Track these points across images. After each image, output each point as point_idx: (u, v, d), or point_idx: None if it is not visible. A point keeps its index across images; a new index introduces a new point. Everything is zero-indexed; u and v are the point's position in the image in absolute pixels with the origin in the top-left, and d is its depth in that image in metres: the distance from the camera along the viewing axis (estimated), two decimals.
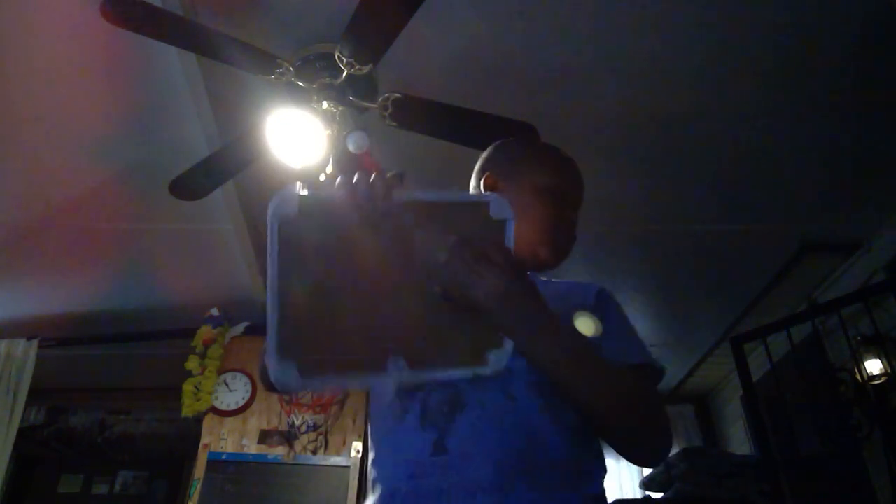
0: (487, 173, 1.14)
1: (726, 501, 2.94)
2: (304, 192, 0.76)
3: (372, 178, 0.78)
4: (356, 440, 3.63)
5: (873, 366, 3.06)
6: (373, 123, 2.27)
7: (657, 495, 3.27)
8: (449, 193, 0.85)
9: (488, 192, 0.91)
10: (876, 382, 3.07)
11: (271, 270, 0.74)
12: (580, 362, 0.87)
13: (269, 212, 0.75)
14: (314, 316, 0.77)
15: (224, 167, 2.38)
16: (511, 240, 0.83)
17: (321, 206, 0.78)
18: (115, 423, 4.94)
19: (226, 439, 3.60)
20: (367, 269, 0.80)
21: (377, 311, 0.80)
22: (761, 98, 2.51)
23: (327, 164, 2.28)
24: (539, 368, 0.86)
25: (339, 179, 0.79)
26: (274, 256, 0.74)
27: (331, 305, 0.78)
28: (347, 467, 3.53)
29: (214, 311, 3.72)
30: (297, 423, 3.61)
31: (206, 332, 3.69)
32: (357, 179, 0.77)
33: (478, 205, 0.85)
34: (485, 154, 1.22)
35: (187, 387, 3.58)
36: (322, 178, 2.30)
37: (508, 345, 0.83)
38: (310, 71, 2.18)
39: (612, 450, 0.96)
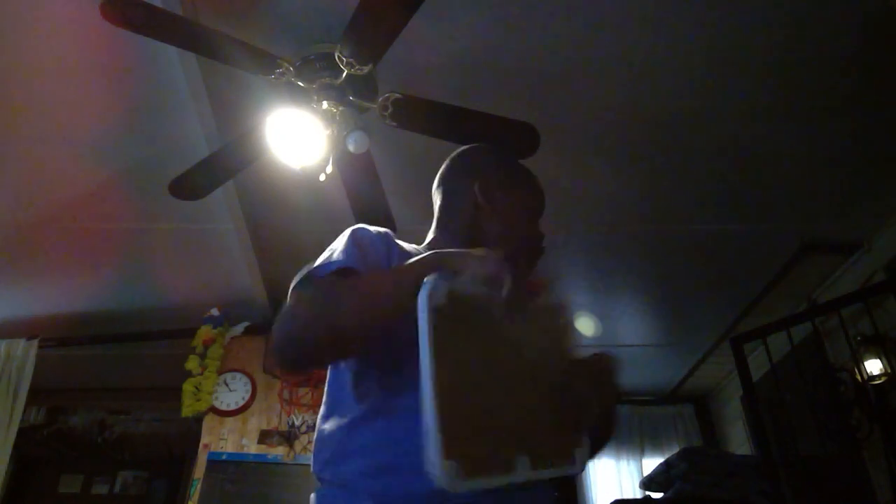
0: (482, 180, 1.18)
1: (726, 501, 2.93)
2: (451, 282, 0.77)
3: (515, 281, 0.81)
4: None
5: (873, 366, 3.06)
6: (373, 123, 2.27)
7: (657, 495, 3.27)
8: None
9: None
10: (876, 382, 3.07)
11: (428, 360, 0.72)
12: None
13: (422, 301, 0.74)
14: (470, 411, 0.74)
15: (224, 167, 2.38)
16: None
17: (467, 298, 0.78)
18: (115, 423, 4.94)
19: (226, 439, 3.61)
20: (505, 366, 0.80)
21: (511, 407, 0.80)
22: (761, 98, 2.51)
23: (327, 163, 2.28)
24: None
25: (484, 272, 0.81)
26: (429, 345, 0.73)
27: (479, 399, 0.76)
28: None
29: (214, 311, 3.72)
30: (297, 423, 3.61)
31: (206, 332, 3.69)
32: (507, 281, 0.80)
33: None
34: (473, 155, 1.26)
35: (187, 387, 3.58)
36: (322, 178, 2.30)
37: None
38: (310, 71, 2.17)
39: (610, 450, 1.05)
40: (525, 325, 0.83)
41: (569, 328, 0.91)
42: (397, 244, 1.09)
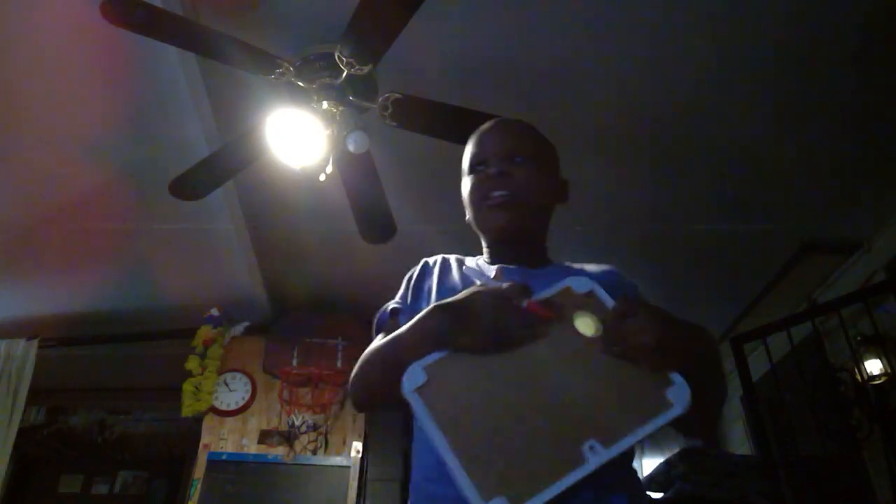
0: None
1: (726, 501, 2.93)
2: (428, 362, 0.85)
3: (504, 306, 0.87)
4: (356, 440, 3.63)
5: (873, 366, 3.06)
6: (373, 123, 2.27)
7: (657, 495, 3.27)
8: (549, 289, 0.95)
9: (569, 279, 0.99)
10: (876, 382, 3.07)
11: (434, 433, 0.80)
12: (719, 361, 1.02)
13: (404, 391, 0.84)
14: (494, 447, 0.80)
15: (224, 167, 2.38)
16: (609, 300, 0.95)
17: (448, 361, 0.86)
18: (115, 423, 4.94)
19: (226, 439, 3.61)
20: (521, 380, 0.85)
21: (551, 410, 0.83)
22: (761, 98, 2.51)
23: (327, 163, 2.28)
24: (698, 378, 0.88)
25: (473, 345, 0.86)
26: (429, 422, 0.81)
27: (503, 430, 0.81)
28: (347, 467, 3.53)
29: (214, 311, 3.72)
30: (297, 423, 3.61)
31: (206, 332, 3.70)
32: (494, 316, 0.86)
33: (566, 291, 0.96)
34: None
35: (187, 387, 3.59)
36: (322, 178, 2.30)
37: (678, 378, 0.85)
38: (310, 71, 2.18)
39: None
40: (549, 337, 0.88)
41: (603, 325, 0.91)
42: (445, 269, 1.09)
